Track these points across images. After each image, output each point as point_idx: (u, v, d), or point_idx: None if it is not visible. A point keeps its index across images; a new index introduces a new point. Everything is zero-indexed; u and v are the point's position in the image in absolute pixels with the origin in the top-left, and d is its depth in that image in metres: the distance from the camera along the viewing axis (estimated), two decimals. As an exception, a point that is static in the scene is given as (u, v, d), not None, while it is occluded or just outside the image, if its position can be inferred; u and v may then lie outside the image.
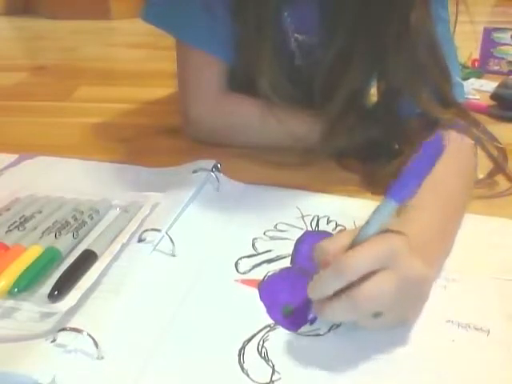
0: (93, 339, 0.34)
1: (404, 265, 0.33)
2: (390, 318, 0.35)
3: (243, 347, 0.35)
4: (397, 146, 0.59)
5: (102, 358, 0.34)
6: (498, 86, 0.86)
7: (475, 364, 0.34)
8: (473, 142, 0.55)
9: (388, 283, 0.32)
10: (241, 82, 0.64)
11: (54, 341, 0.34)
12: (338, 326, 0.37)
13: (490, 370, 0.34)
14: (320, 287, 0.34)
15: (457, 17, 0.59)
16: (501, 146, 0.58)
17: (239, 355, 0.35)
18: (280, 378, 0.33)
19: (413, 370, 0.34)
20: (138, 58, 1.33)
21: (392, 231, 0.34)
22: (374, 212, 0.34)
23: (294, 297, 0.40)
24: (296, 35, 0.65)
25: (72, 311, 0.37)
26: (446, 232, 0.44)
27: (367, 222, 0.34)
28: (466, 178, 0.51)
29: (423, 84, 0.57)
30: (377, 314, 0.34)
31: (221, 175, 0.57)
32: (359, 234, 0.34)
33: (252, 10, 0.58)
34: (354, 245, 0.34)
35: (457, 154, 0.51)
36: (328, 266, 0.33)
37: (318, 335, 0.37)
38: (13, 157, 0.64)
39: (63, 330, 0.34)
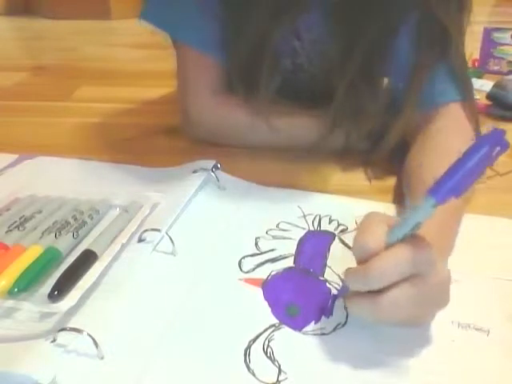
0: (93, 339, 0.34)
1: (433, 273, 0.33)
2: (408, 322, 0.35)
3: (249, 347, 0.35)
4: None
5: (102, 357, 0.34)
6: (494, 86, 0.86)
7: (475, 364, 0.34)
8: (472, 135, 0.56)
9: (415, 291, 0.32)
10: (240, 81, 0.64)
11: (54, 341, 0.34)
12: (343, 325, 0.37)
13: (490, 370, 0.34)
14: (350, 282, 0.34)
15: None
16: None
17: (245, 355, 0.35)
18: (286, 378, 0.33)
19: (414, 369, 0.34)
20: (138, 58, 1.33)
21: (420, 237, 0.33)
22: (413, 209, 0.33)
23: (297, 297, 0.40)
24: (303, 34, 0.65)
25: (72, 311, 0.37)
26: (448, 229, 0.44)
27: (403, 219, 0.33)
28: None
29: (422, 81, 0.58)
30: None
31: (221, 173, 0.57)
32: (394, 232, 0.33)
33: (252, 15, 0.58)
34: (388, 244, 0.33)
35: (460, 147, 0.52)
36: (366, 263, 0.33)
37: (323, 334, 0.37)
38: (13, 157, 0.64)
39: (63, 329, 0.34)
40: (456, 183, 0.30)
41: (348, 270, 0.35)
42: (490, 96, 0.85)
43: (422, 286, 0.32)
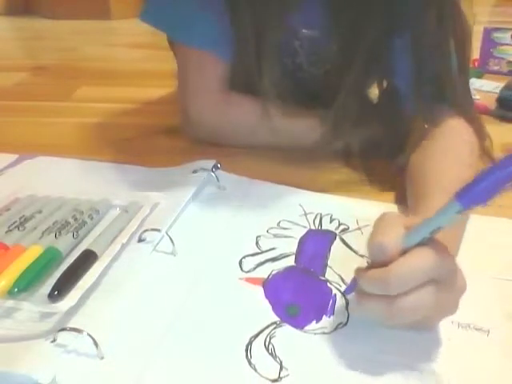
0: (93, 339, 0.34)
1: (452, 281, 0.32)
2: (417, 324, 0.35)
3: (250, 343, 0.35)
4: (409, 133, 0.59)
5: (102, 358, 0.34)
6: (505, 89, 0.84)
7: (475, 364, 0.34)
8: (476, 137, 0.56)
9: (430, 299, 0.32)
10: (240, 81, 0.64)
11: (54, 341, 0.34)
12: (345, 325, 0.37)
13: (490, 370, 0.34)
14: (366, 285, 0.33)
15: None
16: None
17: (246, 350, 0.35)
18: (288, 375, 0.33)
19: (414, 369, 0.34)
20: (138, 58, 1.33)
21: (440, 243, 0.32)
22: (436, 212, 0.31)
23: (298, 296, 0.40)
24: (304, 31, 0.65)
25: (72, 311, 0.37)
26: (453, 234, 0.44)
27: (424, 222, 0.32)
28: (471, 174, 0.51)
29: (425, 82, 0.57)
30: None
31: (221, 172, 0.57)
32: (413, 234, 0.32)
33: (252, 12, 0.58)
34: (406, 247, 0.32)
35: (464, 150, 0.52)
36: (383, 265, 0.32)
37: (324, 333, 0.37)
38: (13, 157, 0.64)
39: (63, 329, 0.34)
40: (486, 191, 0.28)
41: (362, 271, 0.34)
42: (500, 99, 0.83)
43: (440, 293, 0.32)
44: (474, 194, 0.29)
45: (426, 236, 0.32)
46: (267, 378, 0.33)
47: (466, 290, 0.34)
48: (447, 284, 0.32)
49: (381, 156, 0.59)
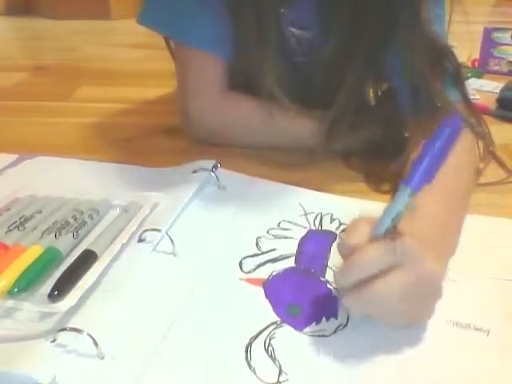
0: (93, 339, 0.34)
1: (416, 265, 0.33)
2: (403, 317, 0.35)
3: (250, 344, 0.35)
4: (406, 135, 0.60)
5: (102, 357, 0.34)
6: (505, 89, 0.85)
7: (475, 364, 0.34)
8: (473, 135, 0.56)
9: (399, 282, 0.33)
10: (240, 81, 0.64)
11: (54, 341, 0.34)
12: (344, 326, 0.37)
13: (490, 370, 0.34)
14: (337, 279, 0.36)
15: (450, 16, 0.59)
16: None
17: (246, 352, 0.35)
18: (287, 380, 0.33)
19: (414, 370, 0.34)
20: (138, 58, 1.33)
21: (400, 231, 0.34)
22: (390, 201, 0.34)
23: (298, 297, 0.40)
24: (293, 30, 0.65)
25: (72, 311, 0.37)
26: (450, 229, 0.44)
27: (384, 212, 0.34)
28: (467, 172, 0.51)
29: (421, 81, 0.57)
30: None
31: (222, 171, 0.57)
32: (376, 226, 0.34)
33: (250, 10, 0.58)
34: (371, 238, 0.34)
35: (458, 148, 0.52)
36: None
37: (324, 336, 0.37)
38: (13, 157, 0.64)
39: (63, 330, 0.34)
40: (426, 171, 0.32)
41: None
42: (500, 99, 0.83)
43: (404, 278, 0.33)
44: (418, 176, 0.32)
45: (388, 225, 0.34)
46: (266, 383, 0.33)
47: (440, 277, 0.35)
48: (410, 269, 0.33)
49: (380, 157, 0.59)
